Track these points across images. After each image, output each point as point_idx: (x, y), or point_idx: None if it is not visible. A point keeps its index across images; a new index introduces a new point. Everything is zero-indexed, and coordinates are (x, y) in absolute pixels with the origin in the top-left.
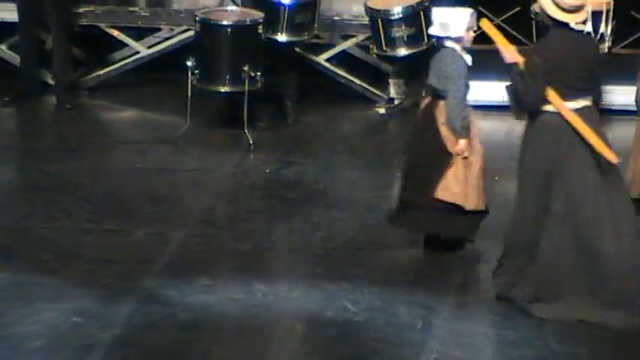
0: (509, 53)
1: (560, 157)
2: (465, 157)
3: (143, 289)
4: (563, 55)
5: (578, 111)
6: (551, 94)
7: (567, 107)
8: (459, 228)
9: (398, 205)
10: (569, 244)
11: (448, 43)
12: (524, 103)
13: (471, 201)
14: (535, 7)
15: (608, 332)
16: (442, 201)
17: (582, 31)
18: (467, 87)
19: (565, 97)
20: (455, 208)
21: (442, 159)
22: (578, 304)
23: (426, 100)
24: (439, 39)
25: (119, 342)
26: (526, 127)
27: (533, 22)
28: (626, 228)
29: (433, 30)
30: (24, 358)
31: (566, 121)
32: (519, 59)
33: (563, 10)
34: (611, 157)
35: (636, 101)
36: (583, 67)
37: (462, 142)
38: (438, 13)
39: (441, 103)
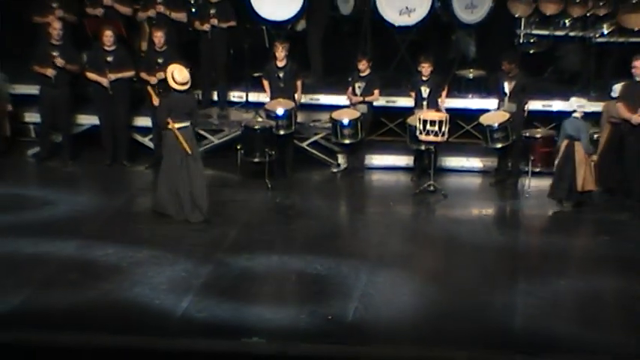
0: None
1: (177, 151)
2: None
3: (216, 259)
4: (174, 103)
5: (181, 128)
6: (170, 121)
7: (176, 126)
8: (586, 197)
9: (565, 193)
10: (177, 190)
11: (575, 114)
12: (158, 124)
13: (591, 186)
14: (409, 120)
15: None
16: (583, 187)
17: (184, 92)
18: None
19: (176, 121)
20: (587, 190)
21: (581, 166)
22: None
23: (566, 142)
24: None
25: (205, 286)
26: (163, 136)
27: (408, 130)
28: (196, 180)
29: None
30: (175, 293)
31: (175, 134)
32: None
33: (178, 83)
34: (188, 151)
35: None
36: (185, 108)
37: (592, 157)
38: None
39: (576, 142)
